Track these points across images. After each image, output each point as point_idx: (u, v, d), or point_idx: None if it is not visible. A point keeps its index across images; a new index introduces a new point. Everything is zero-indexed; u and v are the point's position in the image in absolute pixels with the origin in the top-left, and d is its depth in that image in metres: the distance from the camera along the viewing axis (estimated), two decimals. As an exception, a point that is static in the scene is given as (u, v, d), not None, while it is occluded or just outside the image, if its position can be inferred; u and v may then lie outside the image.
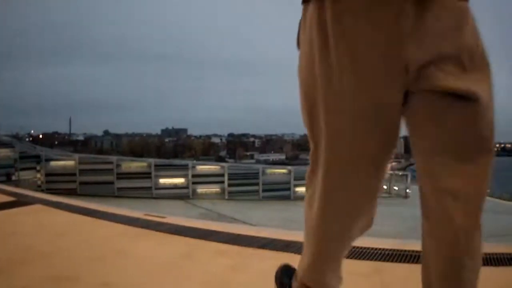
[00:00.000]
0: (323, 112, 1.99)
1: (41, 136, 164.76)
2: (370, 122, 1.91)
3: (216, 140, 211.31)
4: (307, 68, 2.04)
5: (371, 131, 1.94)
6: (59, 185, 22.23)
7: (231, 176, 25.68)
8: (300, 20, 2.11)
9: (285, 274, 3.10)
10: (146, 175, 24.24)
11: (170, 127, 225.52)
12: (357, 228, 2.46)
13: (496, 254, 4.37)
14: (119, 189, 23.60)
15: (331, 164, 2.09)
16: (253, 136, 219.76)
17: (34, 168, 22.68)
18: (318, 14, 1.89)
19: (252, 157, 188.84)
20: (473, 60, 1.81)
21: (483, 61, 1.90)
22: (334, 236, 2.42)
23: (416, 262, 4.21)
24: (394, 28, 1.75)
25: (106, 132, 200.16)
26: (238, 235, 5.32)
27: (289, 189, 26.73)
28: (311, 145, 2.29)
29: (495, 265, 4.11)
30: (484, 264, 4.02)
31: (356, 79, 1.83)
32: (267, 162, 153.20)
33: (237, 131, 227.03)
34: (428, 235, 2.18)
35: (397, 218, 17.66)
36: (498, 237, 12.28)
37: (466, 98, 1.78)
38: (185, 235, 5.22)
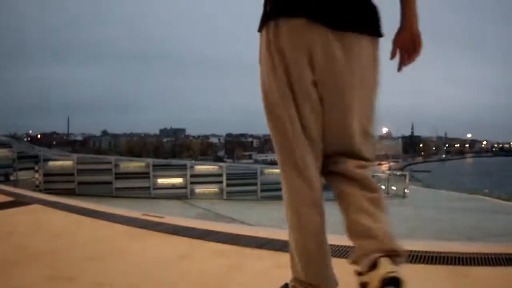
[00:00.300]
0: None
1: (39, 136, 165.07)
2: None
3: (214, 140, 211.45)
4: (265, 80, 2.63)
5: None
6: (57, 185, 22.24)
7: (229, 176, 25.69)
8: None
9: None
10: (144, 175, 24.25)
11: (168, 127, 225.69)
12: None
13: (494, 254, 4.38)
14: (117, 189, 23.61)
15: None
16: (251, 136, 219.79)
17: (32, 168, 22.68)
18: (266, 37, 2.47)
19: (250, 157, 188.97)
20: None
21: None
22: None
23: (415, 262, 4.21)
24: (308, 54, 2.32)
25: (104, 132, 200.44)
26: (236, 235, 5.33)
27: (286, 189, 26.76)
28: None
29: (493, 265, 4.12)
30: (482, 264, 4.04)
31: (286, 87, 2.43)
32: (265, 162, 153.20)
33: (235, 131, 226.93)
34: None
35: (396, 218, 17.63)
36: (496, 237, 12.30)
37: None
38: (183, 235, 5.23)
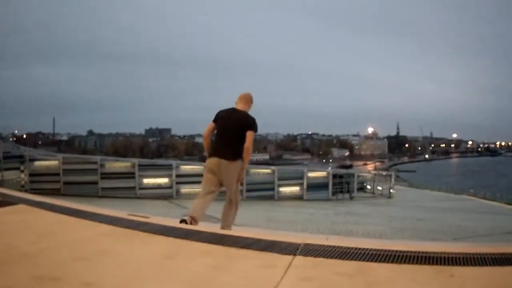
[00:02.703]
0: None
1: (25, 136, 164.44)
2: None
3: (199, 140, 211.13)
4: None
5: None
6: (43, 185, 22.14)
7: (215, 176, 25.65)
8: None
9: None
10: (130, 175, 24.16)
11: (154, 127, 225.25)
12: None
13: (479, 254, 4.41)
14: (103, 189, 23.52)
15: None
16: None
17: (18, 168, 22.54)
18: (207, 162, 8.35)
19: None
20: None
21: None
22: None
23: (401, 262, 4.23)
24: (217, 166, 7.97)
25: (90, 132, 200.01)
26: (222, 235, 5.34)
27: (273, 189, 26.75)
28: None
29: (479, 265, 4.14)
30: (468, 264, 4.05)
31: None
32: (251, 162, 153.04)
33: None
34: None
35: (381, 218, 17.69)
36: (481, 237, 12.35)
37: None
38: (169, 235, 5.23)
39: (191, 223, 6.86)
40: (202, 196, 7.98)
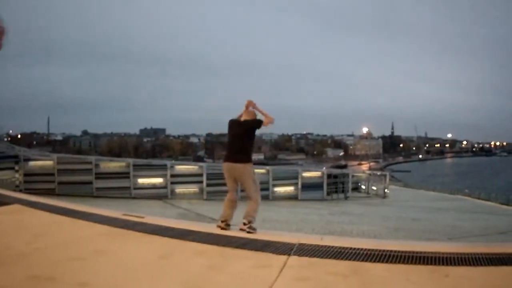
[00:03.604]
0: None
1: (19, 136, 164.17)
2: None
3: (194, 140, 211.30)
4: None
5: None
6: (37, 185, 22.05)
7: (210, 176, 25.60)
8: None
9: None
10: (124, 175, 24.08)
11: (148, 127, 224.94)
12: None
13: (474, 253, 4.42)
14: (98, 189, 23.40)
15: None
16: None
17: (13, 168, 22.44)
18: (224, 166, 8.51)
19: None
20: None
21: None
22: None
23: (396, 262, 4.23)
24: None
25: (85, 132, 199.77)
26: (217, 235, 5.35)
27: (267, 189, 26.72)
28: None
29: (474, 264, 4.15)
30: (462, 264, 4.06)
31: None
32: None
33: (216, 131, 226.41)
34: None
35: (376, 218, 17.70)
36: (476, 237, 12.37)
37: None
38: (164, 235, 5.23)
39: (225, 228, 7.62)
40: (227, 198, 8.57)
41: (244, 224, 7.76)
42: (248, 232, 7.60)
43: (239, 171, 8.31)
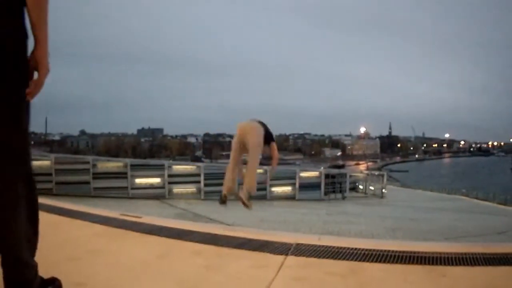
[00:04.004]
0: None
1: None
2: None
3: (192, 140, 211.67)
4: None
5: None
6: (35, 185, 22.06)
7: (207, 176, 25.63)
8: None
9: None
10: (122, 175, 24.10)
11: (146, 127, 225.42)
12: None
13: (471, 254, 4.42)
14: (95, 189, 23.44)
15: None
16: (229, 136, 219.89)
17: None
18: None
19: (228, 157, 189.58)
20: None
21: None
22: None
23: (393, 262, 4.24)
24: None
25: (82, 132, 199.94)
26: (215, 235, 5.33)
27: (265, 189, 26.73)
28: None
29: (471, 264, 4.15)
30: (460, 264, 4.07)
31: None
32: (243, 162, 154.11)
33: (213, 131, 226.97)
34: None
35: (374, 218, 17.70)
36: (473, 237, 12.37)
37: None
38: (161, 235, 5.23)
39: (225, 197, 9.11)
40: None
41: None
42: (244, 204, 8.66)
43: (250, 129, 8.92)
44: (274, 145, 9.47)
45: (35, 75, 2.90)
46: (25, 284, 3.03)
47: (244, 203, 8.88)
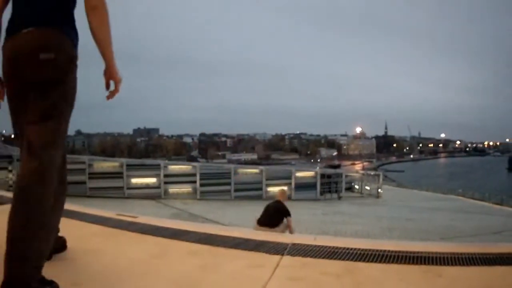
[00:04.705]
0: None
1: (13, 136, 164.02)
2: None
3: (187, 139, 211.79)
4: None
5: None
6: (30, 185, 22.03)
7: (203, 176, 25.65)
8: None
9: None
10: (118, 175, 24.08)
11: (142, 127, 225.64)
12: None
13: (467, 253, 4.41)
14: (91, 189, 23.43)
15: None
16: (225, 135, 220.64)
17: (6, 168, 22.43)
18: None
19: (224, 156, 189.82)
20: None
21: None
22: None
23: (389, 262, 4.23)
24: None
25: (78, 132, 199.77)
26: (210, 235, 5.32)
27: (261, 188, 26.81)
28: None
29: (467, 264, 4.15)
30: (456, 264, 4.06)
31: None
32: (239, 162, 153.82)
33: (209, 130, 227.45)
34: None
35: (370, 218, 17.74)
36: (469, 237, 12.40)
37: None
38: (157, 235, 5.21)
39: None
40: None
41: None
42: None
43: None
44: (289, 221, 11.32)
45: (112, 85, 3.83)
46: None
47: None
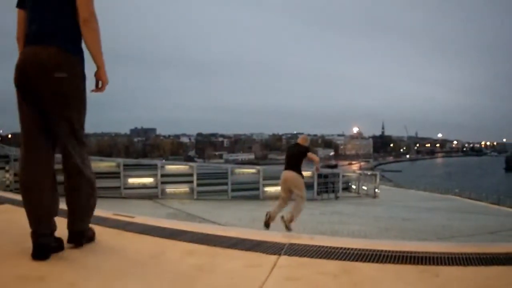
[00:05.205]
0: None
1: (10, 135, 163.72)
2: None
3: (185, 139, 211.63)
4: None
5: None
6: (27, 184, 22.00)
7: (200, 176, 25.62)
8: None
9: None
10: (115, 174, 24.04)
11: (139, 127, 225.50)
12: None
13: (465, 253, 4.42)
14: (88, 188, 23.34)
15: None
16: (222, 135, 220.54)
17: (3, 168, 22.36)
18: None
19: (221, 156, 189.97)
20: None
21: None
22: None
23: (386, 262, 4.24)
24: None
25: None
26: (207, 234, 5.32)
27: (258, 188, 26.77)
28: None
29: (464, 264, 4.15)
30: (453, 264, 4.06)
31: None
32: (236, 162, 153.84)
33: (206, 130, 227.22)
34: None
35: (367, 218, 17.72)
36: (466, 237, 12.40)
37: None
38: (154, 235, 5.22)
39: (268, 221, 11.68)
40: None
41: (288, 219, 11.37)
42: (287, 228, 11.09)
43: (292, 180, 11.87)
44: (310, 155, 12.21)
45: (99, 84, 4.63)
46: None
47: (286, 226, 11.31)
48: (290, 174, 11.97)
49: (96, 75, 4.61)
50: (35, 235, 4.21)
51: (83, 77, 4.51)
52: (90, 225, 4.85)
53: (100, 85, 4.65)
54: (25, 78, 4.18)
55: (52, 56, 4.18)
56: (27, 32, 4.34)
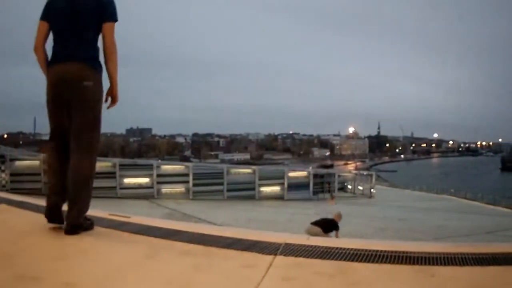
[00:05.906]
0: None
1: (5, 136, 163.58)
2: None
3: (180, 139, 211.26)
4: None
5: None
6: (23, 184, 21.99)
7: (196, 176, 25.66)
8: None
9: None
10: (110, 174, 24.05)
11: (134, 127, 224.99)
12: None
13: (460, 253, 4.42)
14: (84, 188, 23.27)
15: None
16: (218, 135, 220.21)
17: (-1, 168, 22.38)
18: None
19: (216, 156, 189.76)
20: None
21: None
22: None
23: (382, 262, 4.23)
24: None
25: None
26: (203, 234, 5.31)
27: (253, 188, 26.84)
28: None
29: (460, 264, 4.15)
30: (449, 264, 4.06)
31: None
32: (231, 162, 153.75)
33: (202, 130, 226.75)
34: None
35: (362, 218, 17.76)
36: (462, 237, 12.43)
37: None
38: (150, 235, 5.21)
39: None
40: None
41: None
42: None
43: None
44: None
45: (109, 100, 5.46)
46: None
47: None
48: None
49: (108, 92, 5.45)
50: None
51: (102, 85, 5.45)
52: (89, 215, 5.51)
53: (109, 102, 5.51)
54: (59, 91, 5.24)
55: (80, 69, 5.20)
56: (55, 50, 5.32)
